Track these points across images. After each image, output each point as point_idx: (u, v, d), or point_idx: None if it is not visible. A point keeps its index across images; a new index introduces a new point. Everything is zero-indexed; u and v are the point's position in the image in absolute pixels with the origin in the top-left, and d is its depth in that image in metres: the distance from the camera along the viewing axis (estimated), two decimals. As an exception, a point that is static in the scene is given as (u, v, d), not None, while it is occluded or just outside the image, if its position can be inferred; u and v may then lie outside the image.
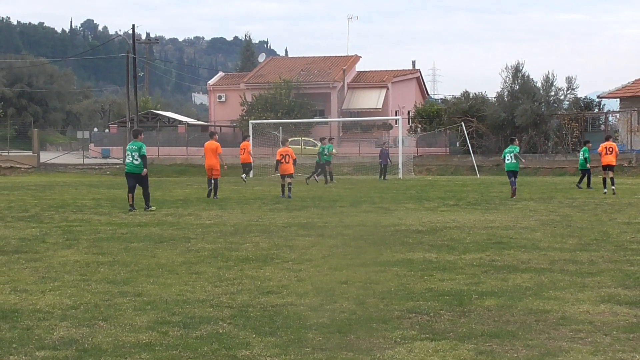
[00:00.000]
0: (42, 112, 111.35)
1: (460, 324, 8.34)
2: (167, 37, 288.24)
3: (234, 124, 77.36)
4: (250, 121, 57.04)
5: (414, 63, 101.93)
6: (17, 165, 56.55)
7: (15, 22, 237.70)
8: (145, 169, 22.16)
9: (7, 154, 62.98)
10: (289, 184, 27.90)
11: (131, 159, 22.32)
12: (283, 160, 28.17)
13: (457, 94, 77.83)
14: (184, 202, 25.77)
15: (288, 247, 14.35)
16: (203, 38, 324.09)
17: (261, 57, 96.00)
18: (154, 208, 22.34)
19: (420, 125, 66.31)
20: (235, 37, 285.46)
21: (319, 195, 28.79)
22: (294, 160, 28.59)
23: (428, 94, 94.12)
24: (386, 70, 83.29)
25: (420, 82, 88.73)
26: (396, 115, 70.19)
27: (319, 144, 44.15)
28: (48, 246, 14.55)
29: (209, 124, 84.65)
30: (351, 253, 13.52)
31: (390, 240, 15.38)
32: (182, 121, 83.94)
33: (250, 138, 49.41)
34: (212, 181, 28.02)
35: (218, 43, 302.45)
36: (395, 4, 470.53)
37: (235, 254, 13.37)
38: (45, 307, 9.14)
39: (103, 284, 10.65)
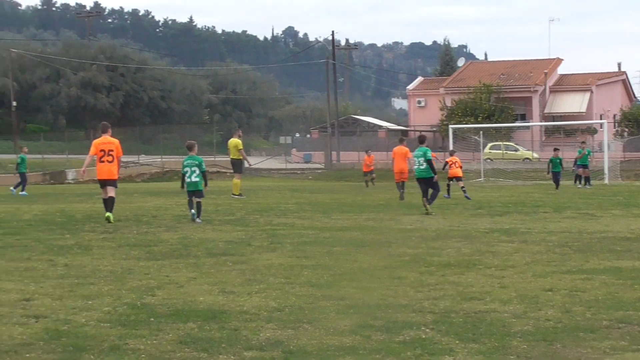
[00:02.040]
0: (246, 117, 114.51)
1: (674, 336, 7.99)
2: (366, 42, 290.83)
3: (434, 129, 77.19)
4: (449, 126, 56.73)
5: (619, 65, 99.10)
6: (223, 170, 58.32)
7: (219, 31, 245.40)
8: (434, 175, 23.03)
9: (213, 158, 65.09)
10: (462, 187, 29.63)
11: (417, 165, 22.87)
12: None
13: (670, 96, 75.01)
14: (385, 207, 25.85)
15: (490, 253, 14.15)
16: (402, 43, 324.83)
17: (460, 62, 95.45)
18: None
19: (627, 130, 64.27)
20: (434, 42, 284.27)
21: (521, 201, 28.30)
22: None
23: (635, 97, 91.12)
24: (590, 73, 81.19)
25: (626, 84, 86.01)
26: (601, 119, 68.25)
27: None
28: (253, 249, 14.88)
29: (408, 128, 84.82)
30: (555, 260, 13.20)
31: (597, 247, 14.92)
32: (382, 126, 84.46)
33: (451, 143, 49.22)
34: (402, 184, 29.38)
35: (417, 48, 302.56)
36: (599, 4, 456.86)
37: (437, 259, 13.29)
38: (251, 308, 9.34)
39: (306, 287, 10.78)
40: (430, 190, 23.21)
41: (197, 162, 20.61)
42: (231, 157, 31.05)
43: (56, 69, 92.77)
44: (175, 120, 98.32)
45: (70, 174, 60.36)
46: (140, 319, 8.81)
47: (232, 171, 34.64)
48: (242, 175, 31.89)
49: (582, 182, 38.98)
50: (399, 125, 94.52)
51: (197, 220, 20.03)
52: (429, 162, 22.91)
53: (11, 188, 36.69)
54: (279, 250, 14.60)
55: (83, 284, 11.00)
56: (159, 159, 66.90)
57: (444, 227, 18.82)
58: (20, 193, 35.67)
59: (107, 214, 20.24)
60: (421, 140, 23.87)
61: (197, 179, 20.51)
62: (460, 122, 66.44)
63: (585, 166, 39.50)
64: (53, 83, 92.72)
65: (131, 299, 9.95)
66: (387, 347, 7.59)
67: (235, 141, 30.60)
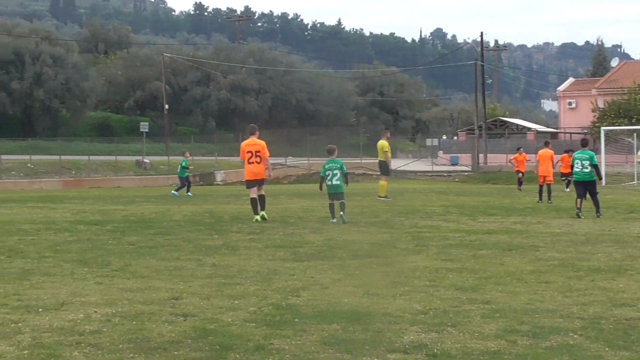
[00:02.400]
0: (393, 120, 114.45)
1: None
2: (515, 43, 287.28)
3: (585, 131, 75.49)
4: (601, 128, 55.34)
5: None
6: (369, 172, 58.45)
7: (367, 34, 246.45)
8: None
9: (359, 160, 65.30)
10: None
11: (580, 167, 22.61)
12: None
13: None
14: (532, 210, 25.42)
15: (643, 258, 13.72)
16: (552, 44, 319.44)
17: (614, 62, 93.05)
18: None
19: None
20: (587, 42, 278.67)
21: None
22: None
23: None
24: None
25: None
26: None
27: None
28: (398, 251, 14.83)
29: (558, 130, 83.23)
30: None
31: None
32: (531, 128, 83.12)
33: (602, 146, 48.13)
34: (546, 186, 29.47)
35: (568, 48, 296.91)
36: None
37: (587, 264, 12.96)
38: (395, 311, 9.30)
39: (451, 290, 10.68)
40: (589, 195, 22.86)
41: (338, 165, 20.91)
42: (379, 159, 31.14)
43: (207, 72, 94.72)
44: (322, 122, 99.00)
45: (219, 176, 61.53)
46: (285, 319, 8.88)
47: (378, 173, 34.73)
48: (388, 177, 31.85)
49: None
50: (548, 127, 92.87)
51: (343, 218, 20.22)
52: (594, 166, 22.65)
53: (173, 192, 37.56)
54: (424, 253, 14.52)
55: (230, 284, 11.16)
56: (306, 161, 67.51)
57: (594, 232, 18.35)
58: (186, 194, 36.62)
59: (262, 212, 20.98)
60: (584, 143, 23.70)
61: (338, 182, 20.87)
62: (612, 124, 64.76)
63: None
64: (203, 86, 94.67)
65: (276, 299, 10.04)
66: (534, 353, 7.44)
67: (381, 143, 30.64)
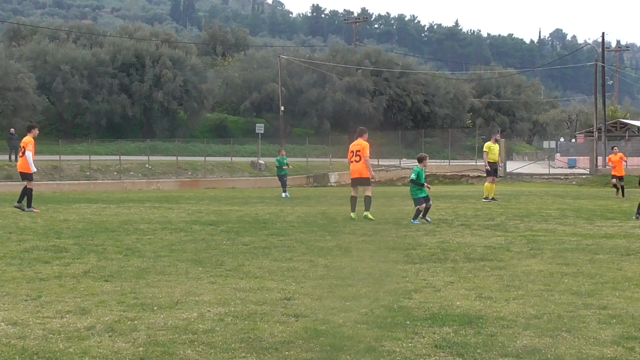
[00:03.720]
0: (509, 122, 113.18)
1: None
2: (638, 44, 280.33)
3: None
4: None
5: None
6: (484, 175, 57.89)
7: (485, 35, 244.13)
8: None
9: (474, 163, 64.74)
10: None
11: None
12: None
13: None
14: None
15: None
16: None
17: None
18: None
19: None
20: None
21: None
22: None
23: None
24: None
25: None
26: None
27: None
28: (512, 255, 14.64)
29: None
30: None
31: None
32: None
33: None
34: None
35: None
36: None
37: None
38: (508, 314, 9.18)
39: (567, 295, 10.48)
40: None
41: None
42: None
43: (322, 74, 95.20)
44: (438, 124, 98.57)
45: (333, 177, 61.74)
46: (396, 321, 8.84)
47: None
48: (493, 179, 31.33)
49: None
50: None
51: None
52: None
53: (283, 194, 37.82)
54: (539, 257, 14.29)
55: (342, 285, 11.18)
56: (421, 163, 67.25)
57: None
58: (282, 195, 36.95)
59: (365, 212, 21.45)
60: None
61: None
62: None
63: None
64: (319, 88, 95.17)
65: (388, 301, 10.01)
66: (652, 361, 7.25)
67: (485, 145, 31.08)
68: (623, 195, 35.47)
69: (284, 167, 39.17)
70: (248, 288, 10.94)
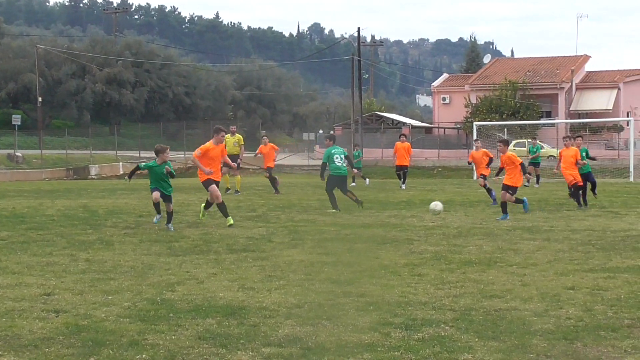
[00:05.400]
0: (270, 114, 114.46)
1: (698, 336, 7.92)
2: (392, 39, 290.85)
3: (458, 126, 77.00)
4: (474, 123, 56.50)
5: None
6: (246, 166, 58.40)
7: (245, 27, 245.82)
8: None
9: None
10: None
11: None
12: None
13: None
14: (407, 204, 25.80)
15: (512, 250, 14.09)
16: (428, 40, 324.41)
17: (486, 58, 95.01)
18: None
19: (656, 127, 63.90)
20: (460, 39, 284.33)
21: (545, 199, 28.16)
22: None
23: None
24: (617, 70, 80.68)
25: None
26: (627, 116, 67.78)
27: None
28: (274, 245, 14.89)
29: (432, 125, 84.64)
30: (578, 258, 13.12)
31: (620, 245, 14.82)
32: (406, 123, 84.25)
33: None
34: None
35: (443, 44, 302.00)
36: (629, 1, 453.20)
37: (458, 257, 13.25)
38: (271, 304, 9.34)
39: (327, 283, 10.77)
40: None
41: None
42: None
43: (82, 65, 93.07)
44: (200, 116, 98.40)
45: (94, 170, 60.57)
46: (159, 314, 8.83)
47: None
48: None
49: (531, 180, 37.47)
50: (423, 122, 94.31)
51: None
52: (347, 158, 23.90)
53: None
54: (300, 247, 14.60)
55: (104, 279, 11.04)
56: (182, 155, 66.99)
57: (466, 225, 18.76)
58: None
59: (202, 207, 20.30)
60: (331, 137, 24.60)
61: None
62: (484, 119, 66.20)
63: (537, 164, 38.57)
64: (79, 79, 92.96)
65: (151, 294, 9.97)
66: (406, 345, 7.58)
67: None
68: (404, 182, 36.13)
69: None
70: (5, 284, 10.62)
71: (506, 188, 21.02)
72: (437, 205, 21.20)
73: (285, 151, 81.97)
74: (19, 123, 68.70)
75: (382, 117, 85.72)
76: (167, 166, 18.22)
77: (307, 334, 7.99)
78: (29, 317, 8.65)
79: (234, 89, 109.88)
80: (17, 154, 63.40)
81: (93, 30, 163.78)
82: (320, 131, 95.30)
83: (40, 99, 74.99)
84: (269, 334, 7.98)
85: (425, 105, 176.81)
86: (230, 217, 18.53)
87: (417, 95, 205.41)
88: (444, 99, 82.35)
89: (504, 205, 20.81)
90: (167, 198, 18.10)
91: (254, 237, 16.20)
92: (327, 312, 8.93)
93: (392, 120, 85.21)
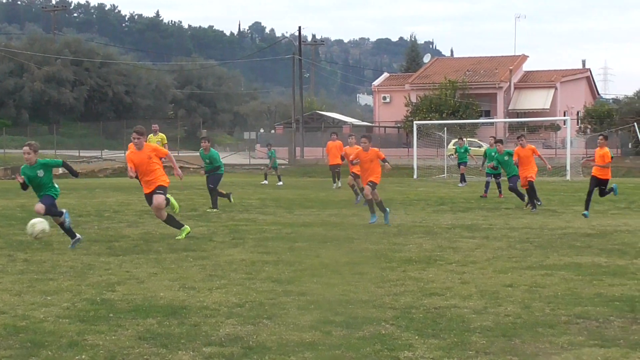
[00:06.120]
0: (211, 113, 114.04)
1: (632, 332, 8.06)
2: (332, 38, 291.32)
3: (399, 125, 77.37)
4: (414, 122, 56.84)
5: (584, 62, 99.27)
6: (187, 166, 58.12)
7: (186, 26, 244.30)
8: None
9: (177, 153, 64.82)
10: None
11: None
12: None
13: (630, 93, 75.75)
14: (348, 203, 25.87)
15: (452, 248, 14.22)
16: (368, 39, 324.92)
17: (426, 58, 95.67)
18: None
19: (590, 126, 64.84)
20: (401, 38, 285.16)
21: (484, 197, 28.43)
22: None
23: (599, 94, 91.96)
24: (554, 70, 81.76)
25: (590, 81, 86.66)
26: (564, 115, 68.74)
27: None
28: (215, 244, 14.86)
29: (373, 124, 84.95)
30: (516, 256, 13.28)
31: (557, 243, 15.03)
32: (347, 122, 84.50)
33: (415, 140, 49.34)
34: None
35: (383, 44, 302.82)
36: (567, 2, 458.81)
37: (399, 255, 13.33)
38: (212, 304, 9.33)
39: (268, 282, 10.78)
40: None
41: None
42: None
43: (20, 63, 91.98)
44: (140, 115, 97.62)
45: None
46: (99, 314, 8.77)
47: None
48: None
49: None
50: (363, 121, 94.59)
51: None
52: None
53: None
54: (241, 246, 14.59)
55: (42, 280, 10.93)
56: (122, 154, 66.45)
57: (407, 223, 18.87)
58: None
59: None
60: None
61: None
62: (425, 119, 66.55)
63: (464, 164, 38.41)
64: (17, 77, 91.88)
65: (91, 294, 9.90)
66: (347, 343, 7.61)
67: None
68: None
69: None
70: (-59, 286, 10.46)
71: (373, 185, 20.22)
72: (35, 225, 14.40)
73: (227, 150, 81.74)
74: (-46, 122, 67.77)
75: (323, 116, 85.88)
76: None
77: (249, 333, 8.00)
78: (-34, 319, 8.54)
79: (175, 88, 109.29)
80: (-47, 153, 62.49)
81: (31, 28, 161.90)
82: (261, 130, 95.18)
83: (-24, 98, 73.94)
84: (210, 334, 7.97)
85: (366, 104, 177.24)
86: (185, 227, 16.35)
87: (357, 95, 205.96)
88: (384, 98, 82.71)
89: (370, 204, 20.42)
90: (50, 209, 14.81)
91: (195, 236, 16.14)
92: (268, 311, 8.94)
93: (333, 119, 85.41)
